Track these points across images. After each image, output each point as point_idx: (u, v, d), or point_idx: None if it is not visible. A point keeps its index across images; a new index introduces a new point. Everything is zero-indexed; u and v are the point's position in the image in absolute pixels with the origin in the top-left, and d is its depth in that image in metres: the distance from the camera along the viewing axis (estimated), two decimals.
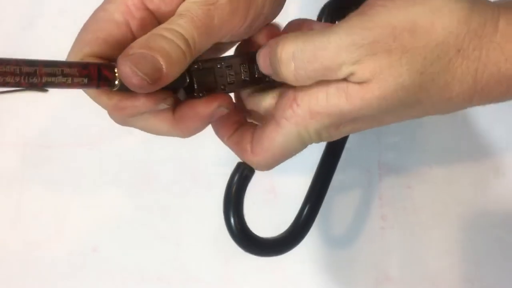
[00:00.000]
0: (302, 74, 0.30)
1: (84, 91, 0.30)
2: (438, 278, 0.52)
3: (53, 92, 0.58)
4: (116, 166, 0.57)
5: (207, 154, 0.56)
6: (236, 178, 0.36)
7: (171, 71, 0.29)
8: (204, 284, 0.54)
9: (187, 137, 0.33)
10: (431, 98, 0.30)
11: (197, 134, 0.37)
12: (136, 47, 0.29)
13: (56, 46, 0.58)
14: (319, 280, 0.53)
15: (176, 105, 0.32)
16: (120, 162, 0.57)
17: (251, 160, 0.33)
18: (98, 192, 0.56)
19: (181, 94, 0.33)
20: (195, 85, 0.32)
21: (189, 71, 0.32)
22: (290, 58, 0.30)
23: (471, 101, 0.31)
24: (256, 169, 0.35)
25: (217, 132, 0.35)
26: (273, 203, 0.55)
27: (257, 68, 0.33)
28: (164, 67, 0.28)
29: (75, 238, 0.55)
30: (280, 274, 0.54)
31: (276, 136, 0.32)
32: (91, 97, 0.31)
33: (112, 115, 0.32)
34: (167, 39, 0.29)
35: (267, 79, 0.34)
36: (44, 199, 0.56)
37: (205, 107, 0.32)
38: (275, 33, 0.34)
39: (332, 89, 0.30)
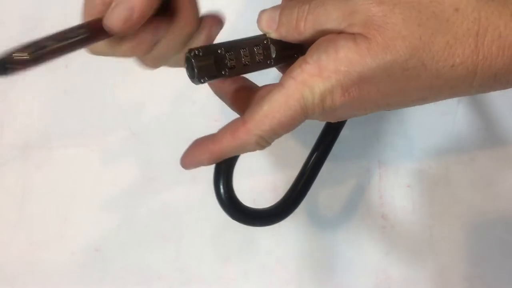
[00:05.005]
0: (310, 19, 0.32)
1: (105, 49, 0.34)
2: (438, 277, 0.52)
3: (55, 92, 0.59)
4: (117, 166, 0.57)
5: None
6: None
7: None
8: (204, 283, 0.54)
9: None
10: (434, 61, 0.30)
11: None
12: None
13: None
14: (319, 279, 0.54)
15: None
16: (121, 162, 0.57)
17: (244, 132, 0.33)
18: (100, 193, 0.56)
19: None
20: (196, 71, 0.32)
21: (189, 58, 0.32)
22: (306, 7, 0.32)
23: (475, 73, 0.30)
24: (248, 148, 0.34)
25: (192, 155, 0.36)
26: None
27: (258, 52, 0.34)
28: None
29: (77, 238, 0.56)
30: (280, 274, 0.54)
31: (278, 97, 0.32)
32: (116, 53, 0.34)
33: (140, 61, 0.35)
34: None
35: (268, 62, 0.35)
36: (46, 200, 0.57)
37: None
38: None
39: (341, 41, 0.31)
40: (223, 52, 0.33)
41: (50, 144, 0.58)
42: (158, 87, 0.57)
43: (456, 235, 0.53)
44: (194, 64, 0.32)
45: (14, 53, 0.28)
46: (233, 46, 0.34)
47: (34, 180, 0.57)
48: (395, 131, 0.55)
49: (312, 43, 0.33)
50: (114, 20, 0.31)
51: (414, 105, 0.34)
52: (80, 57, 0.58)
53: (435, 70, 0.30)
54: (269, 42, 0.35)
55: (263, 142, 0.33)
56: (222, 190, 0.37)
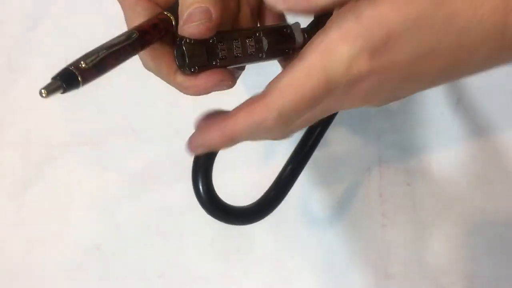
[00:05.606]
0: None
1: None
2: (438, 275, 0.52)
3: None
4: (117, 165, 0.57)
5: None
6: None
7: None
8: (204, 282, 0.54)
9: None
10: (462, 15, 0.28)
11: None
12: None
13: (61, 47, 0.59)
14: (319, 278, 0.54)
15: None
16: (121, 161, 0.57)
17: (262, 107, 0.30)
18: (100, 192, 0.56)
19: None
20: (187, 59, 0.32)
21: (180, 45, 0.32)
22: None
23: (505, 25, 0.28)
24: (265, 125, 0.30)
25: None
26: None
27: (250, 44, 0.34)
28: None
29: (78, 237, 0.56)
30: (280, 272, 0.54)
31: (300, 68, 0.29)
32: None
33: None
34: None
35: (259, 55, 0.34)
36: (47, 198, 0.57)
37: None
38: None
39: (361, 6, 0.29)
40: (215, 42, 0.33)
41: (50, 144, 0.58)
42: (158, 86, 0.57)
43: (456, 233, 0.53)
44: (185, 52, 0.32)
45: (71, 65, 0.28)
46: (225, 36, 0.33)
47: (34, 180, 0.57)
48: (395, 129, 0.55)
49: (320, 18, 0.31)
50: (195, 24, 0.31)
51: (444, 77, 0.32)
52: (80, 56, 0.59)
53: (463, 24, 0.28)
54: (262, 35, 0.34)
55: (282, 123, 0.30)
56: (200, 187, 0.36)
